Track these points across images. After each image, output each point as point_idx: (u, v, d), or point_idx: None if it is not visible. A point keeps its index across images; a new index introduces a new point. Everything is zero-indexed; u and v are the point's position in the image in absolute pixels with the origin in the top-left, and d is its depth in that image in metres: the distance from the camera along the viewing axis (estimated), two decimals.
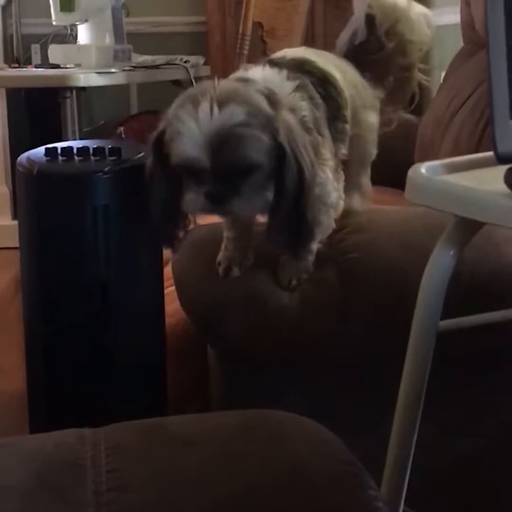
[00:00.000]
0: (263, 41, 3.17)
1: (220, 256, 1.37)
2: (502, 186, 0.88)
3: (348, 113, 1.40)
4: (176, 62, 3.74)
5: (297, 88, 1.29)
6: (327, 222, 1.33)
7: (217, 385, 1.44)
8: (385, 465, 1.06)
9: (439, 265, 1.02)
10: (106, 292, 1.36)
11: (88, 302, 1.36)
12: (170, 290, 1.64)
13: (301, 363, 1.35)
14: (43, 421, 1.44)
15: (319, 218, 1.28)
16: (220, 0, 4.15)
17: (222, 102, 1.15)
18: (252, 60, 3.20)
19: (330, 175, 1.32)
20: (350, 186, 1.48)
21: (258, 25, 3.13)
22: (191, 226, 1.30)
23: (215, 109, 1.14)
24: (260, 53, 3.22)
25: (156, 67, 3.72)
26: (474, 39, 2.15)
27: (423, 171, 0.97)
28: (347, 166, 1.44)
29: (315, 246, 1.33)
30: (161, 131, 1.22)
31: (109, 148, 1.36)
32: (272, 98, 1.20)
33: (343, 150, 1.40)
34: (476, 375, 1.38)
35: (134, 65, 3.65)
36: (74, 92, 3.25)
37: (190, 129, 1.15)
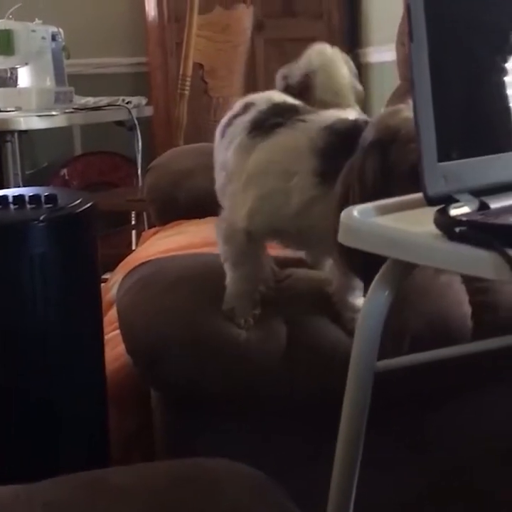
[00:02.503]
0: (204, 81, 3.19)
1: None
2: (432, 228, 0.88)
3: None
4: (118, 103, 3.74)
5: None
6: None
7: (161, 431, 1.42)
8: (327, 507, 1.06)
9: (374, 305, 1.03)
10: (45, 340, 1.35)
11: (27, 350, 1.34)
12: (112, 335, 1.63)
13: (245, 409, 1.35)
14: None
15: None
16: (160, 41, 4.17)
17: None
18: (194, 99, 3.19)
19: None
20: None
21: (199, 66, 3.15)
22: None
23: None
24: (202, 93, 3.23)
25: (99, 108, 3.71)
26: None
27: (355, 213, 0.97)
28: None
29: None
30: (382, 141, 1.12)
31: (45, 195, 1.36)
32: None
33: None
34: (418, 415, 1.39)
35: (75, 106, 3.63)
36: (15, 135, 3.23)
37: None
